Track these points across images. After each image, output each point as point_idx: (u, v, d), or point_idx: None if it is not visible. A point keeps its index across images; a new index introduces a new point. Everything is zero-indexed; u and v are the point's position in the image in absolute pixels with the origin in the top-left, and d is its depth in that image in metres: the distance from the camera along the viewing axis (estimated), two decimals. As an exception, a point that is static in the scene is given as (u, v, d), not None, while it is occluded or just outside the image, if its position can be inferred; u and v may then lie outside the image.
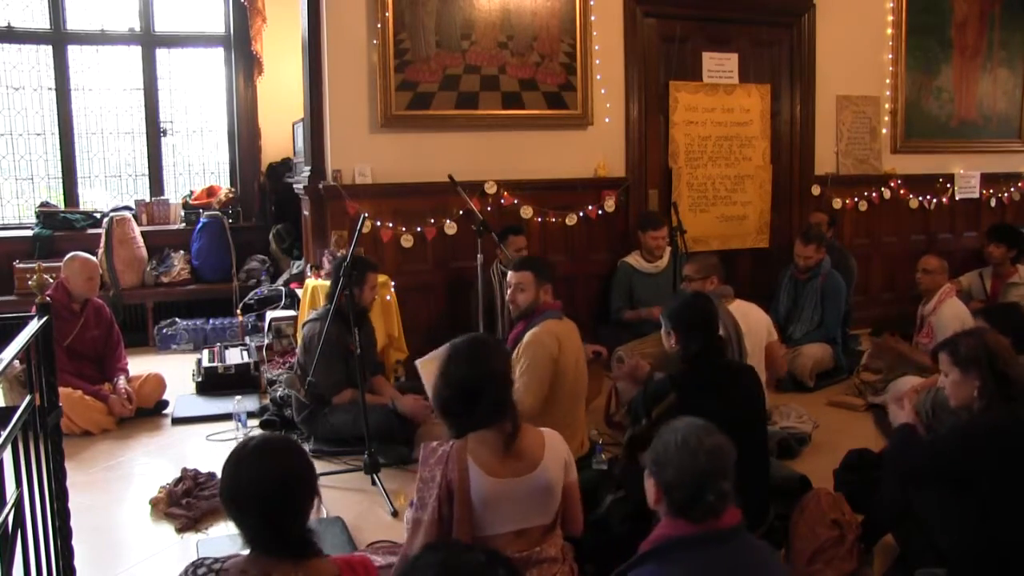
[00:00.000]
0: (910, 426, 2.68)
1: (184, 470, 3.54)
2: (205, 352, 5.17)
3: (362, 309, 3.89)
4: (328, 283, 4.20)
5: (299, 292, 5.15)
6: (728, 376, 2.82)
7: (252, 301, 6.03)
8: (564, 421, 3.41)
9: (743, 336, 3.65)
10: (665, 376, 2.82)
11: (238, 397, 4.24)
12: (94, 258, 4.59)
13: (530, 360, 3.31)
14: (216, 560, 1.69)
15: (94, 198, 6.86)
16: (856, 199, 6.28)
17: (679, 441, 1.81)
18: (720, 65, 5.78)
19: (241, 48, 6.87)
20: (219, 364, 4.94)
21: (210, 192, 6.87)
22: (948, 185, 6.60)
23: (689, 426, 1.85)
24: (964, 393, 2.47)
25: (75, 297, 4.39)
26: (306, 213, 5.43)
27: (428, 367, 3.54)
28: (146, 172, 6.94)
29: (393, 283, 4.80)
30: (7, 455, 1.86)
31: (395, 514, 3.24)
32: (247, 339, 5.56)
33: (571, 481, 2.33)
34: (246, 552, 1.70)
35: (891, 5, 6.29)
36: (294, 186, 5.68)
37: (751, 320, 3.81)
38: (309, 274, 5.02)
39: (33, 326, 2.08)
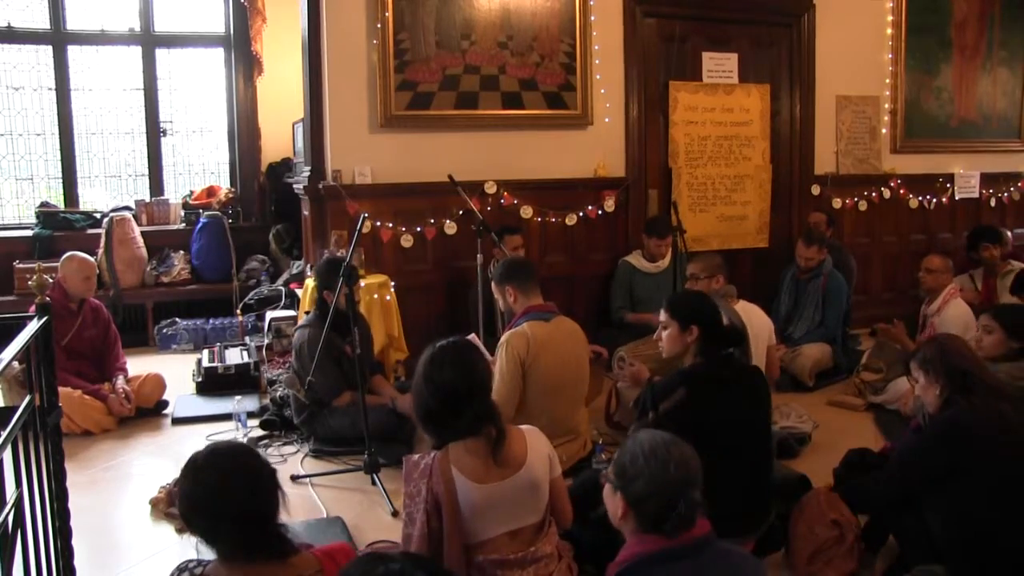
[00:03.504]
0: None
1: (184, 470, 3.54)
2: (205, 352, 5.16)
3: (343, 312, 3.81)
4: (313, 287, 4.19)
5: (299, 292, 5.16)
6: (738, 374, 2.83)
7: (252, 301, 6.03)
8: (564, 424, 3.41)
9: (748, 335, 3.64)
10: (675, 371, 2.81)
11: (238, 397, 4.24)
12: (91, 258, 4.59)
13: (498, 361, 3.32)
14: (199, 563, 1.68)
15: (94, 198, 6.86)
16: (856, 199, 6.28)
17: (646, 452, 1.74)
18: (720, 65, 5.78)
19: (241, 48, 6.87)
20: (219, 364, 4.94)
21: (210, 192, 6.88)
22: (948, 185, 6.60)
23: (655, 437, 1.79)
24: (932, 395, 2.54)
25: (72, 297, 4.40)
26: (306, 213, 5.43)
27: None
28: (146, 172, 6.94)
29: (393, 283, 4.80)
30: (7, 455, 1.86)
31: (395, 514, 3.23)
32: (247, 339, 5.56)
33: (557, 476, 2.32)
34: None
35: (891, 5, 6.29)
36: (294, 186, 5.67)
37: (754, 322, 3.80)
38: (309, 274, 5.02)
39: (33, 326, 2.08)
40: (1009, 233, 6.36)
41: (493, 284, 3.59)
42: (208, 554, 1.72)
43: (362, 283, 4.27)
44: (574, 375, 3.47)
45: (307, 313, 4.27)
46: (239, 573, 1.65)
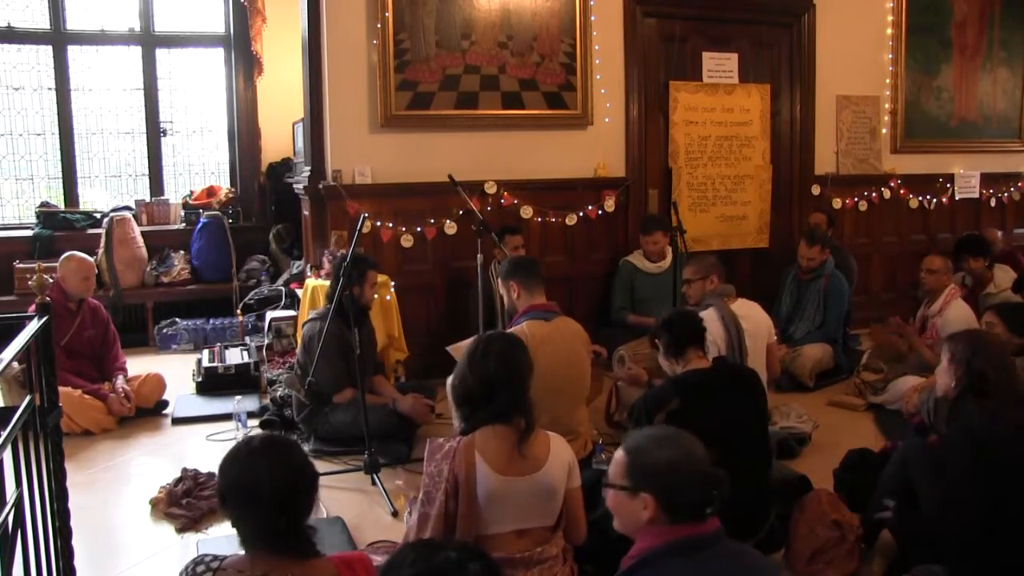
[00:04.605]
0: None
1: (184, 470, 3.54)
2: (205, 352, 5.16)
3: (362, 307, 3.89)
4: (328, 283, 4.20)
5: (299, 292, 5.15)
6: (731, 378, 2.82)
7: (252, 301, 6.03)
8: (563, 424, 3.38)
9: (744, 334, 3.65)
10: (668, 380, 2.81)
11: (238, 397, 4.23)
12: (89, 258, 4.58)
13: None
14: (215, 558, 1.69)
15: (94, 198, 6.86)
16: (856, 199, 6.28)
17: (666, 445, 1.76)
18: (720, 65, 5.78)
19: (241, 48, 6.87)
20: (219, 364, 4.94)
21: (210, 192, 6.87)
22: (948, 185, 6.60)
23: (664, 432, 1.81)
24: (945, 381, 2.56)
25: (71, 297, 4.40)
26: (306, 213, 5.43)
27: (460, 353, 3.54)
28: (146, 172, 6.94)
29: (393, 283, 4.80)
30: (7, 455, 1.86)
31: (395, 514, 3.24)
32: (247, 339, 5.57)
33: (574, 488, 2.33)
34: (244, 551, 1.70)
35: (891, 5, 6.29)
36: (294, 186, 5.68)
37: (753, 320, 3.80)
38: (309, 274, 5.03)
39: (33, 326, 2.08)
40: (1000, 233, 6.36)
41: (499, 280, 3.61)
42: (220, 550, 1.73)
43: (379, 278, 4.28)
44: (573, 375, 3.46)
45: (315, 308, 4.29)
46: (259, 567, 1.65)
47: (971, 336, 2.61)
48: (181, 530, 3.16)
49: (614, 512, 1.82)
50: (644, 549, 1.75)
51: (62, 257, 4.47)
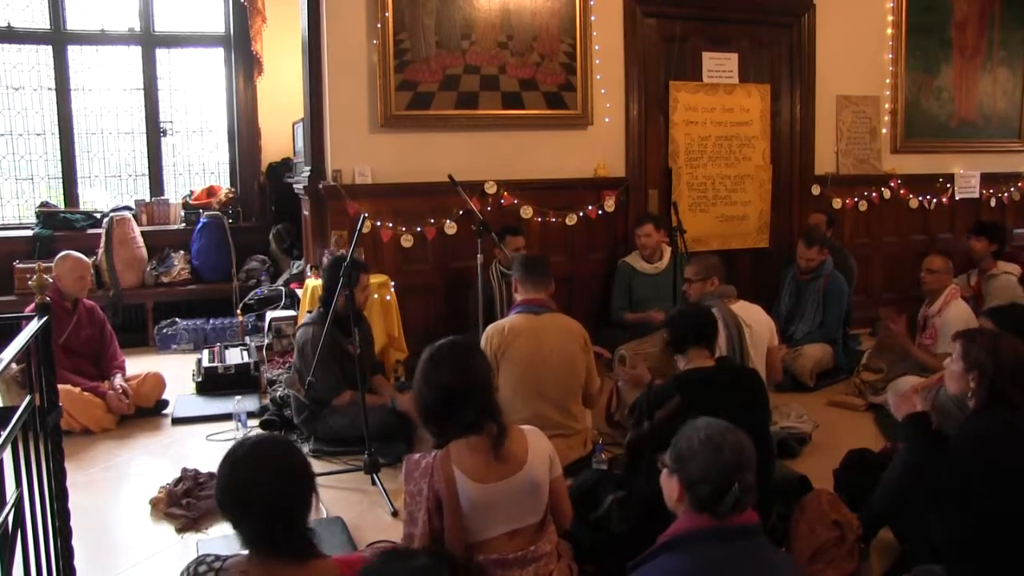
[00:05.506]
0: (922, 422, 2.57)
1: (184, 470, 3.54)
2: (205, 352, 5.17)
3: (356, 310, 3.87)
4: (319, 285, 4.19)
5: (299, 292, 5.16)
6: (733, 378, 2.82)
7: (252, 301, 6.03)
8: (551, 419, 3.38)
9: (744, 336, 3.64)
10: (669, 378, 2.81)
11: (238, 397, 4.24)
12: (85, 257, 4.58)
13: None
14: (217, 558, 1.69)
15: (94, 198, 6.86)
16: (856, 199, 6.28)
17: (703, 437, 1.83)
18: (720, 65, 5.78)
19: (241, 48, 6.87)
20: (219, 364, 4.94)
21: (210, 192, 6.88)
22: (948, 185, 6.60)
23: (711, 424, 1.87)
24: (960, 387, 2.51)
25: (66, 296, 4.40)
26: (306, 213, 5.43)
27: None
28: (146, 172, 6.94)
29: (393, 283, 4.80)
30: (7, 455, 1.86)
31: (395, 514, 3.23)
32: (247, 339, 5.56)
33: (557, 477, 2.32)
34: (246, 552, 1.70)
35: (891, 5, 6.29)
36: (294, 186, 5.68)
37: (754, 321, 3.80)
38: (309, 274, 5.03)
39: (32, 326, 2.08)
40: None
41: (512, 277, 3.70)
42: (220, 550, 1.73)
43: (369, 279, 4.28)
44: (557, 368, 3.43)
45: (309, 312, 4.28)
46: (258, 569, 1.65)
47: (992, 344, 2.44)
48: (181, 530, 3.16)
49: (662, 486, 1.93)
50: (677, 530, 1.85)
51: (57, 257, 4.47)
